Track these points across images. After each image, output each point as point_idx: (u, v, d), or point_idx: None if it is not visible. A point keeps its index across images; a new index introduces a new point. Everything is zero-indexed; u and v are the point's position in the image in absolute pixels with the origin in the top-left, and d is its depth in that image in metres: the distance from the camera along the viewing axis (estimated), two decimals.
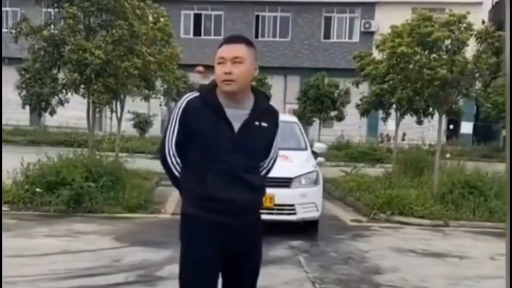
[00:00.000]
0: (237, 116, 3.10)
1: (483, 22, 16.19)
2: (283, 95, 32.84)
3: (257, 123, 3.15)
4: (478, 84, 12.88)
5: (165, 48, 13.47)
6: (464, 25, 10.89)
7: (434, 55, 11.21)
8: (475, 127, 30.54)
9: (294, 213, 8.73)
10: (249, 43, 3.17)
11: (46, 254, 7.14)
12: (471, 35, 10.79)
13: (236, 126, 3.09)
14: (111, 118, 18.88)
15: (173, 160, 3.20)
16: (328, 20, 33.95)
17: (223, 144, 3.08)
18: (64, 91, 11.73)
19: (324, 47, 33.67)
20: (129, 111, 22.41)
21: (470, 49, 11.13)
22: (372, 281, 6.62)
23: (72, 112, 27.03)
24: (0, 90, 9.87)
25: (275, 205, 8.47)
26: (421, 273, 7.02)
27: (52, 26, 11.28)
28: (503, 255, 8.16)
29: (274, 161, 3.44)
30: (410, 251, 8.28)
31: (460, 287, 6.61)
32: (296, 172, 8.83)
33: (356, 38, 33.22)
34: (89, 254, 7.27)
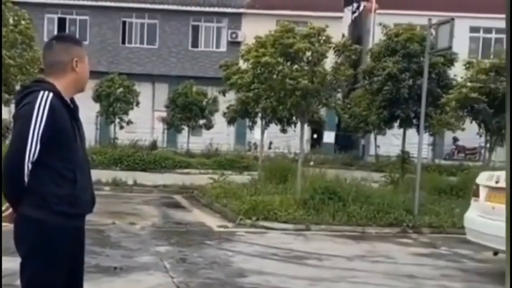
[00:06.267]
0: None
1: (343, 36, 17.10)
2: (152, 102, 32.57)
3: None
4: (338, 95, 13.59)
5: (26, 52, 13.01)
6: (324, 38, 11.45)
7: (296, 66, 11.68)
8: (336, 137, 31.95)
9: None
10: None
11: None
12: (330, 47, 11.37)
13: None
14: None
15: (29, 163, 2.93)
16: (195, 29, 34.12)
17: (78, 144, 3.15)
18: None
19: (192, 56, 33.80)
20: None
21: (330, 61, 11.72)
22: (236, 284, 6.79)
23: None
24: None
25: None
26: (283, 274, 7.27)
27: None
28: (359, 256, 8.65)
29: None
30: (273, 254, 8.56)
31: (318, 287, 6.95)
32: None
33: (223, 48, 33.63)
34: None
